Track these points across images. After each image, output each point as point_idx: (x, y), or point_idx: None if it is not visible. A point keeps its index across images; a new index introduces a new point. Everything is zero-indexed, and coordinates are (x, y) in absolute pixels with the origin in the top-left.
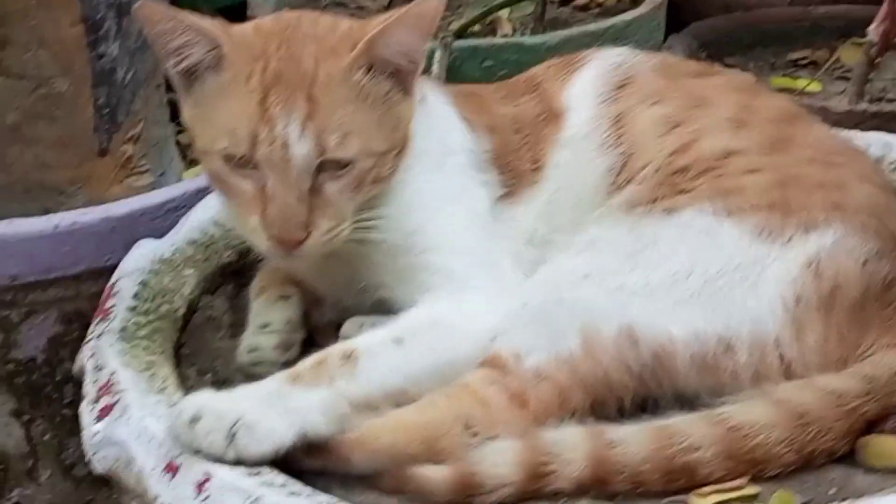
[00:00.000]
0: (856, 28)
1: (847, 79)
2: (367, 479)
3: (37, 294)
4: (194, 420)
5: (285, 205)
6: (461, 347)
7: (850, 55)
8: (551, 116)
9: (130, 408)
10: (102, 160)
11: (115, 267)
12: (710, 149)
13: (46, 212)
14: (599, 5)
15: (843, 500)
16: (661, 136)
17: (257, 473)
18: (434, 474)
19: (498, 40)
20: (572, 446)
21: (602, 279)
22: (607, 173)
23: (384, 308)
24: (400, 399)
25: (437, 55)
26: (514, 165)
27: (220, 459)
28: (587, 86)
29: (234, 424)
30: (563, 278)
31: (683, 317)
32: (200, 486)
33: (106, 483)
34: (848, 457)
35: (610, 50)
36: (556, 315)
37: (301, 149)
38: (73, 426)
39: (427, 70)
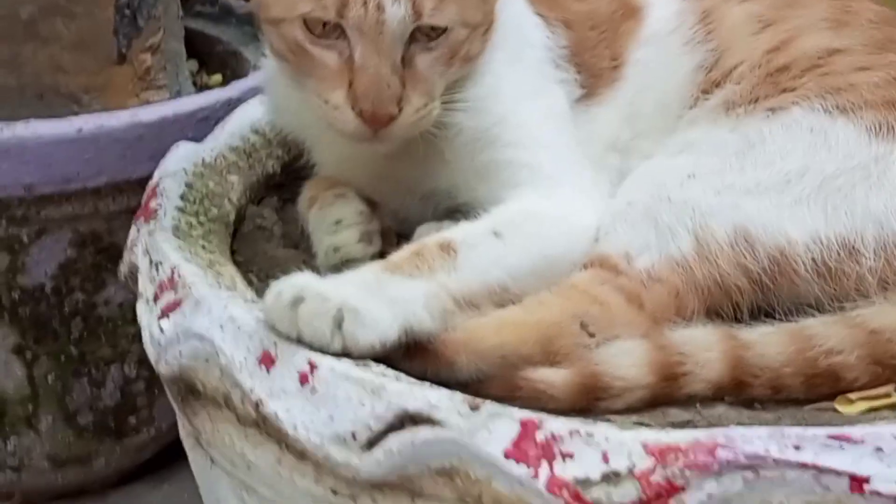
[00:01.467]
0: None
1: None
2: (472, 387)
3: (51, 209)
4: (296, 302)
5: (378, 75)
6: (561, 241)
7: None
8: (629, 12)
9: (206, 300)
10: (121, 68)
11: (139, 181)
12: (812, 46)
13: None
14: None
15: None
16: (754, 33)
17: (365, 365)
18: (554, 377)
19: None
20: (706, 346)
21: (709, 179)
22: (696, 71)
23: (447, 216)
24: (501, 296)
25: None
26: (592, 63)
27: (323, 349)
28: None
29: (340, 309)
30: (667, 177)
31: (801, 218)
32: (305, 377)
33: (111, 433)
34: None
35: None
36: (665, 214)
37: (396, 11)
38: (79, 366)
39: None
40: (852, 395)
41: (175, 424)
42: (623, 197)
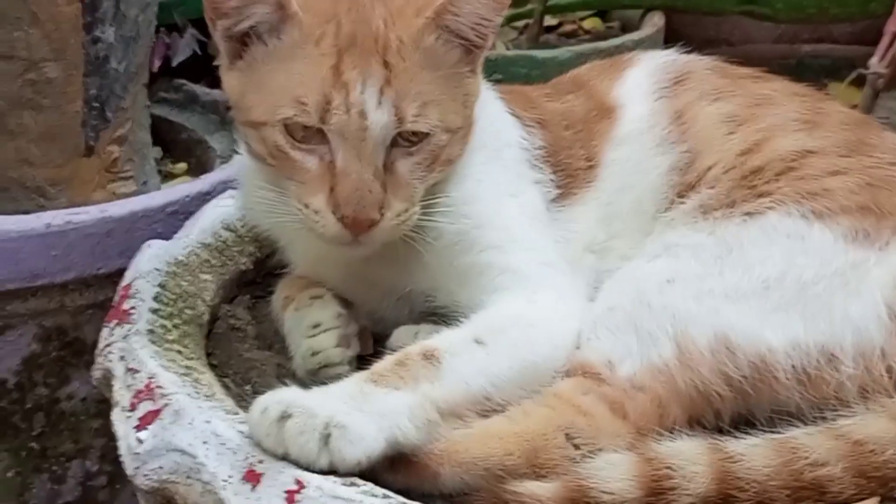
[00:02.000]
0: (842, 67)
1: None
2: (457, 500)
3: (17, 304)
4: (283, 418)
5: (360, 180)
6: (545, 348)
7: (838, 93)
8: (603, 113)
9: (186, 412)
10: (88, 160)
11: (107, 276)
12: (785, 148)
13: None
14: (587, 32)
15: None
16: (727, 133)
17: (352, 484)
18: (541, 491)
19: (509, 53)
20: (693, 459)
21: (688, 284)
22: (671, 172)
23: (424, 318)
24: (484, 406)
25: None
26: (568, 163)
27: (309, 466)
28: (641, 82)
29: (328, 425)
30: (646, 282)
31: (781, 324)
32: (292, 496)
33: None
34: None
35: (657, 51)
36: (646, 321)
37: (380, 117)
38: (39, 462)
39: None
40: None
41: None
42: (604, 302)
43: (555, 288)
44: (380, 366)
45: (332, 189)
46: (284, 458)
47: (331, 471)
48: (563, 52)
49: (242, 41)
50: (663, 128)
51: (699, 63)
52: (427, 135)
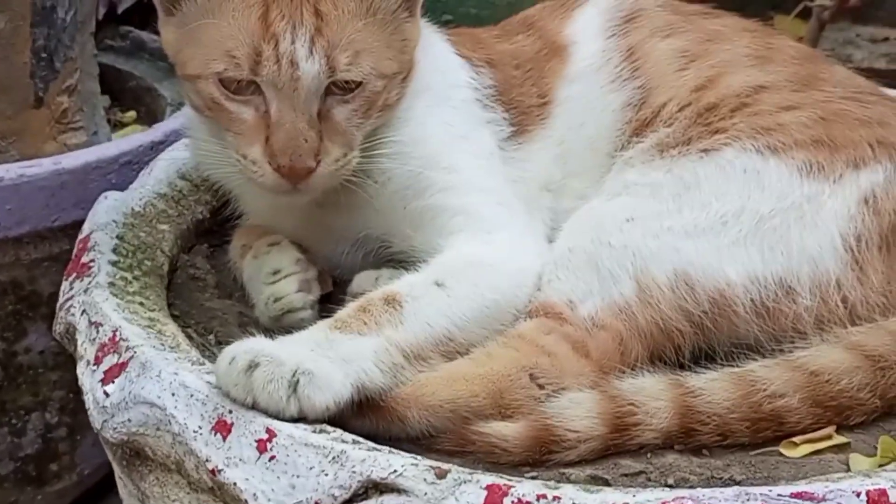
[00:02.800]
0: None
1: None
2: (423, 442)
3: None
4: (251, 367)
5: (294, 130)
6: (504, 287)
7: (784, 25)
8: (554, 51)
9: (153, 364)
10: (38, 112)
11: (62, 229)
12: (738, 84)
13: None
14: None
15: None
16: (679, 69)
17: (322, 431)
18: (507, 431)
19: None
20: (655, 395)
21: (647, 222)
22: (624, 109)
23: (384, 263)
24: (448, 346)
25: None
26: (520, 101)
27: (278, 414)
28: (592, 20)
29: (296, 373)
30: (605, 222)
31: (739, 259)
32: (263, 444)
33: (32, 481)
34: None
35: None
36: (606, 260)
37: (311, 67)
38: None
39: None
40: (796, 439)
41: (98, 469)
42: (564, 243)
43: (510, 227)
44: (343, 312)
45: (267, 139)
46: (253, 407)
47: (300, 418)
48: None
49: None
50: (616, 65)
51: (650, 0)
52: (361, 83)
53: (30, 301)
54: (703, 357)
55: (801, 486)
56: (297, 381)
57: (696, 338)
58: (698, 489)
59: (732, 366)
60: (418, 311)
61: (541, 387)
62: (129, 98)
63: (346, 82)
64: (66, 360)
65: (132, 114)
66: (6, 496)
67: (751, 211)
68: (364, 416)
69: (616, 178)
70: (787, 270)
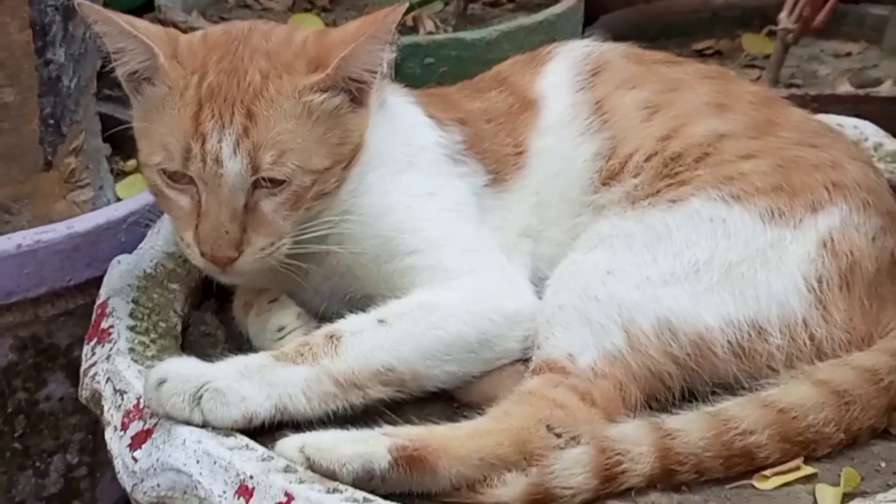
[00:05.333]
0: (753, 17)
1: (752, 66)
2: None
3: None
4: (160, 383)
5: (217, 223)
6: (451, 326)
7: (751, 43)
8: (525, 105)
9: (177, 432)
10: (47, 174)
11: (76, 286)
12: (700, 134)
13: None
14: (511, 1)
15: (894, 472)
16: (644, 120)
17: (340, 491)
18: (506, 496)
19: (439, 37)
20: (638, 441)
21: (627, 274)
22: (595, 158)
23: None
24: (388, 377)
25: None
26: (493, 150)
27: (187, 422)
28: (560, 75)
29: (201, 388)
30: (588, 276)
31: (713, 304)
32: None
33: None
34: (885, 431)
35: (574, 42)
36: (595, 313)
37: (234, 166)
38: (23, 460)
39: None
40: (767, 472)
41: (118, 501)
42: (553, 300)
43: (477, 271)
44: (287, 347)
45: (197, 227)
46: (168, 417)
47: (207, 425)
48: (490, 31)
49: (137, 83)
50: (585, 118)
51: (615, 52)
52: (287, 179)
53: (48, 353)
54: (690, 395)
55: None
56: (202, 396)
57: (684, 379)
58: None
59: (717, 402)
60: (356, 345)
61: (558, 436)
62: (130, 146)
63: (271, 179)
64: (83, 405)
65: (133, 162)
66: None
67: (720, 258)
68: (398, 466)
69: (590, 229)
70: (758, 313)
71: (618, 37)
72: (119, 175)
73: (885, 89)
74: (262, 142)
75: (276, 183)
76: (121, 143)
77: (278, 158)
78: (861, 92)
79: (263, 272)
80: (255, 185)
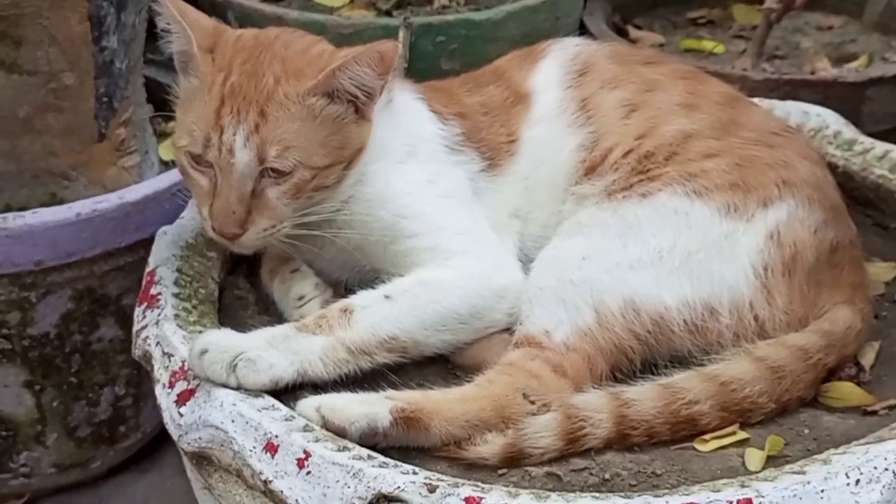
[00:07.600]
0: None
1: (742, 37)
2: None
3: (55, 276)
4: (202, 353)
5: (227, 203)
6: (446, 301)
7: (742, 14)
8: (518, 98)
9: (216, 393)
10: (101, 145)
11: (126, 247)
12: (670, 133)
13: (52, 196)
14: None
15: (815, 438)
16: (623, 118)
17: (344, 449)
18: (486, 452)
19: (449, 17)
20: (598, 409)
21: (599, 259)
22: (579, 149)
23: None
24: (392, 345)
25: (401, 35)
26: (489, 139)
27: (224, 385)
28: (551, 73)
29: (236, 357)
30: (566, 261)
31: (673, 287)
32: (302, 462)
33: (105, 441)
34: (813, 401)
35: (567, 40)
36: (570, 294)
37: (243, 156)
38: (78, 392)
39: None
40: (707, 437)
41: (157, 426)
42: (535, 282)
43: (470, 251)
44: (307, 318)
45: (211, 204)
46: (207, 380)
47: (241, 388)
48: (497, 11)
49: (183, 64)
50: (572, 112)
51: (601, 52)
52: (288, 172)
53: (101, 302)
54: (651, 366)
55: (690, 497)
56: (237, 365)
57: (645, 353)
58: (613, 497)
59: (672, 374)
60: (365, 318)
61: (532, 403)
62: (171, 109)
63: (275, 170)
64: (129, 345)
65: (174, 124)
66: (85, 454)
67: (681, 247)
68: (397, 425)
69: (572, 217)
70: (711, 295)
71: (619, 7)
72: (161, 136)
73: (851, 74)
74: (269, 138)
75: (280, 174)
76: (162, 104)
77: (282, 153)
78: (829, 77)
79: (285, 244)
80: (262, 174)
